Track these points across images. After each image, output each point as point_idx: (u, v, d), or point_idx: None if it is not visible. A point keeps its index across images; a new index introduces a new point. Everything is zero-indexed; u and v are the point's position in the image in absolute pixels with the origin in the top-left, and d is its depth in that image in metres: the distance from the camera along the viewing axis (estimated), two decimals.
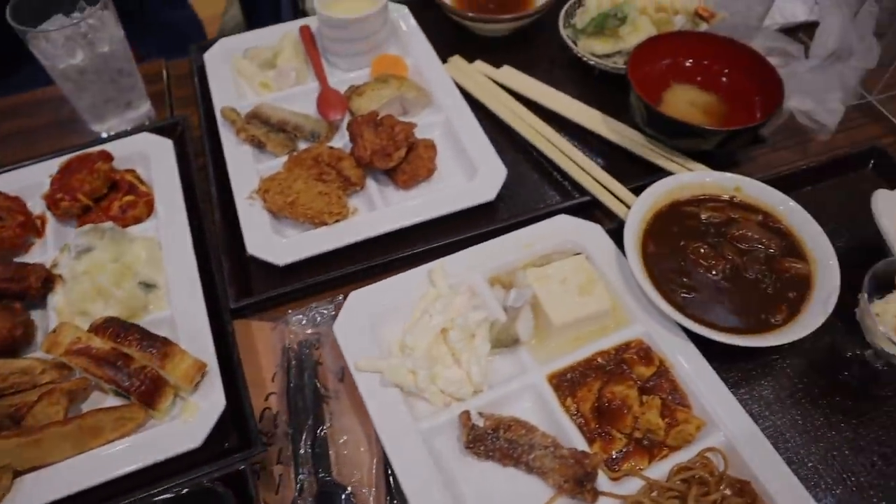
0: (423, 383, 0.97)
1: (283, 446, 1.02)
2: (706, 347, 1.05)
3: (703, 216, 1.20)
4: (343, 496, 0.96)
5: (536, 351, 1.05)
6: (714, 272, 1.13)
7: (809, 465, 1.01)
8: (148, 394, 0.99)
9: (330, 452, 1.00)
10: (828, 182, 1.34)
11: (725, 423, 0.99)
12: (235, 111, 1.31)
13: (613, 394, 0.99)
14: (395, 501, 0.95)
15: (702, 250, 1.15)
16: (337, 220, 1.18)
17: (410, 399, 1.00)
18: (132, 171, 1.26)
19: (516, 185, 1.29)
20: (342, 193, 1.20)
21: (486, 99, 1.41)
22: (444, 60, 1.48)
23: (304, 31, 1.48)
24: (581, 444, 0.96)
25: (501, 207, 1.26)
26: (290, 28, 1.50)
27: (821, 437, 1.03)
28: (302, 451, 1.00)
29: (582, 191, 1.27)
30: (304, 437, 1.01)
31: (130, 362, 0.99)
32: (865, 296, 1.00)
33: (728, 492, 0.94)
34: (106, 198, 1.21)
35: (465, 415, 0.97)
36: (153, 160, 1.28)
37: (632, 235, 1.13)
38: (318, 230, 1.18)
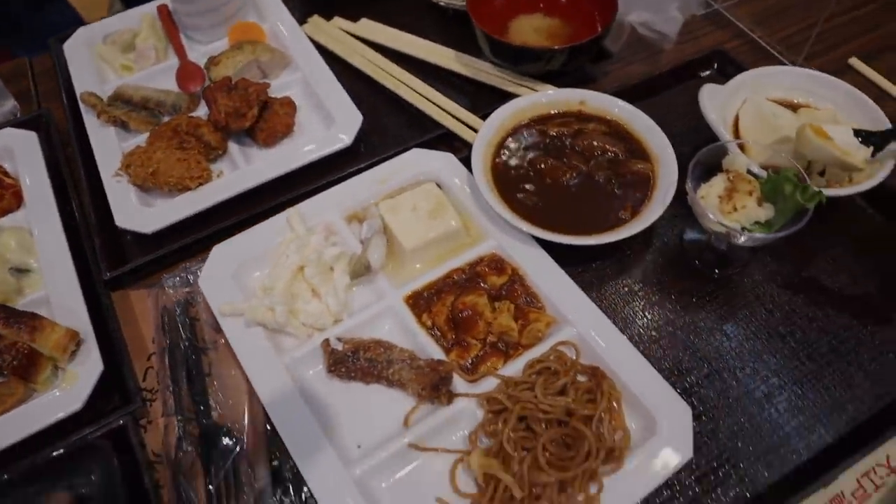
0: (282, 318, 1.02)
1: (167, 400, 1.06)
2: (560, 254, 1.12)
3: (552, 132, 1.25)
4: (223, 434, 1.01)
5: (393, 276, 1.10)
6: (563, 181, 1.19)
7: (660, 342, 1.08)
8: (22, 368, 1.02)
9: (210, 398, 1.05)
10: (674, 89, 1.40)
11: (577, 318, 1.05)
12: (95, 95, 1.33)
13: (465, 304, 1.04)
14: (269, 429, 1.00)
15: (550, 162, 1.21)
16: (200, 184, 1.22)
17: (276, 336, 1.05)
18: None
19: (378, 131, 1.34)
20: (202, 158, 1.23)
21: (345, 53, 1.45)
22: (303, 21, 1.51)
23: (162, 9, 1.50)
24: (438, 355, 1.02)
25: (363, 151, 1.30)
26: (149, 9, 1.52)
27: (670, 321, 1.11)
28: (182, 401, 1.04)
29: (439, 126, 1.32)
30: (184, 387, 1.05)
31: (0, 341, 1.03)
32: (690, 183, 1.07)
33: (582, 378, 1.00)
34: None
35: (325, 342, 1.02)
36: (18, 153, 1.30)
37: (479, 157, 1.18)
38: (184, 196, 1.21)
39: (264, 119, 1.28)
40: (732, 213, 1.05)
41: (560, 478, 0.89)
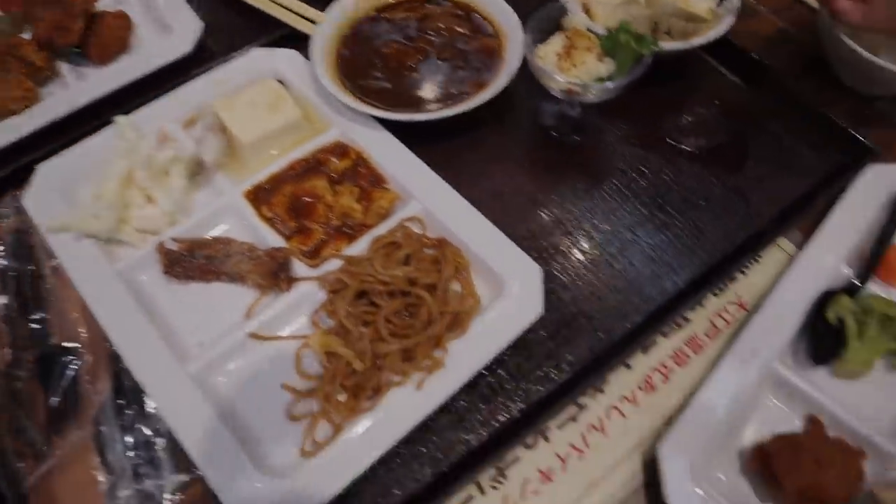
0: (109, 223, 0.96)
1: (2, 331, 1.00)
2: (408, 135, 1.07)
3: (398, 17, 1.21)
4: (61, 354, 0.96)
5: (233, 174, 1.05)
6: (408, 63, 1.15)
7: (513, 210, 1.06)
8: None
9: (47, 322, 0.99)
10: None
11: (423, 194, 1.02)
12: None
13: (303, 189, 1.00)
14: (108, 345, 0.95)
15: (395, 47, 1.16)
16: (27, 107, 1.14)
17: (110, 246, 0.99)
18: None
19: (222, 38, 1.26)
20: (25, 79, 1.15)
21: None
22: None
23: None
24: (279, 244, 0.97)
25: (205, 58, 1.23)
26: None
27: (524, 189, 1.08)
28: (17, 329, 0.99)
29: (284, 26, 1.26)
30: (15, 314, 1.00)
31: None
32: (527, 44, 1.03)
33: (429, 251, 0.97)
34: None
35: (160, 244, 0.97)
36: None
37: (318, 48, 1.13)
38: (8, 121, 1.13)
39: (95, 34, 1.21)
40: (572, 69, 1.02)
41: (402, 346, 0.86)
